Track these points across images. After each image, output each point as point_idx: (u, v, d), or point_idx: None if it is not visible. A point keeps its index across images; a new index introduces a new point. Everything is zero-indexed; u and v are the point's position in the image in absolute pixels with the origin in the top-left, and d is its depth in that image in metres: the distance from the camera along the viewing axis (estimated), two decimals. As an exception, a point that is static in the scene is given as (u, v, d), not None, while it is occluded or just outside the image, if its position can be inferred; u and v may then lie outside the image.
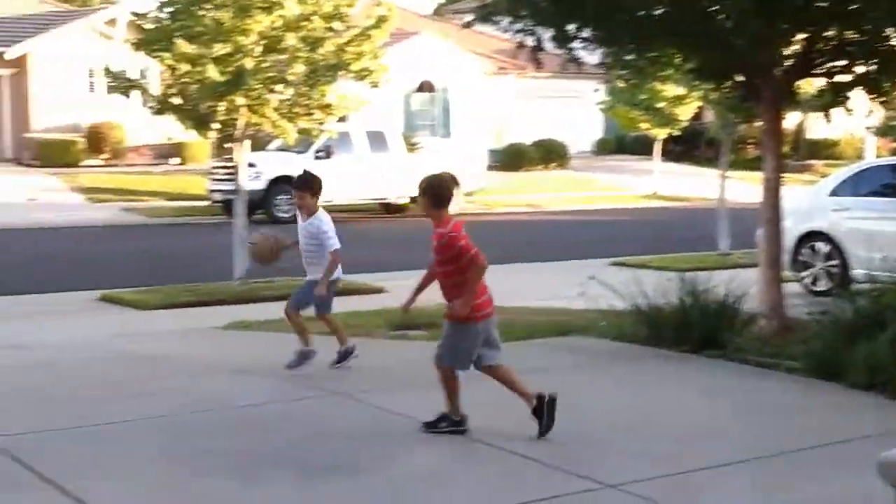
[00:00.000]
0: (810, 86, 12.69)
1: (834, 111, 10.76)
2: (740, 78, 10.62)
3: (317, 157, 26.25)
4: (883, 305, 8.68)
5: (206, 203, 27.22)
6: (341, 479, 5.96)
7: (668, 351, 9.45)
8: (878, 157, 35.84)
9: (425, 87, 39.28)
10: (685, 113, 28.96)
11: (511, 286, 14.82)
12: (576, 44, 10.32)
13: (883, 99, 11.08)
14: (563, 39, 10.22)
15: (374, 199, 27.80)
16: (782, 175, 10.36)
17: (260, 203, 25.03)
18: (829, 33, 10.05)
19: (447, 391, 6.72)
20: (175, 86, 14.39)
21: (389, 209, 28.18)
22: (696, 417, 7.41)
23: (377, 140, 27.73)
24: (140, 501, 5.63)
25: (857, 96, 10.52)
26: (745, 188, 30.26)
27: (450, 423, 6.73)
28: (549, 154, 39.74)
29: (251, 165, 22.52)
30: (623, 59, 11.00)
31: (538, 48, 10.50)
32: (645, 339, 9.73)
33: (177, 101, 14.39)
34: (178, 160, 34.80)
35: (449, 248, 6.53)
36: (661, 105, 28.90)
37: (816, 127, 41.95)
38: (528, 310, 12.24)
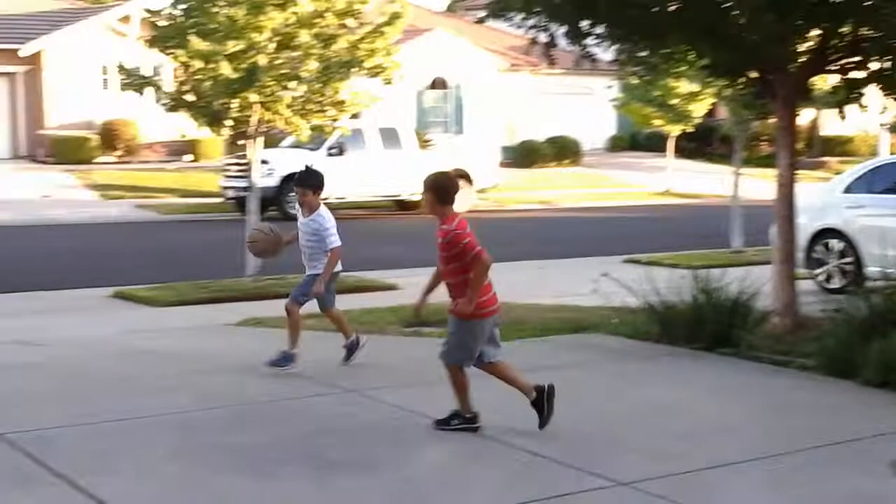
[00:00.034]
0: (824, 82, 12.66)
1: (848, 108, 10.72)
2: (754, 74, 10.59)
3: (329, 154, 26.27)
4: (897, 303, 8.66)
5: (218, 200, 27.26)
6: (355, 475, 5.96)
7: (681, 348, 9.43)
8: (892, 153, 35.72)
9: (438, 83, 39.27)
10: (699, 109, 28.89)
11: (523, 283, 14.82)
12: (589, 40, 10.31)
13: (897, 95, 11.03)
14: (576, 36, 10.21)
15: (387, 195, 27.80)
16: (796, 172, 10.33)
17: (273, 200, 25.04)
18: (844, 29, 10.01)
19: (456, 388, 6.72)
20: (188, 83, 14.42)
21: (402, 206, 28.18)
22: (708, 415, 7.39)
23: (390, 137, 27.73)
24: (154, 497, 5.63)
25: (872, 93, 10.49)
26: (759, 185, 30.19)
27: (462, 421, 6.74)
28: (562, 151, 39.69)
29: (264, 162, 22.59)
30: (636, 56, 10.98)
31: (551, 44, 10.49)
32: (657, 336, 9.72)
33: (190, 98, 14.42)
34: (190, 157, 34.87)
35: (454, 244, 6.53)
36: (674, 102, 28.84)
37: (830, 124, 41.83)
38: (540, 307, 12.23)
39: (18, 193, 28.71)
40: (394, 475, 6.02)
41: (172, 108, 14.70)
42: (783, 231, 10.28)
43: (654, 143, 40.09)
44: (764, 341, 9.32)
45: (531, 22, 10.30)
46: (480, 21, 11.28)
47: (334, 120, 14.85)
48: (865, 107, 10.66)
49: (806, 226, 13.08)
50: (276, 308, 11.81)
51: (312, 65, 14.16)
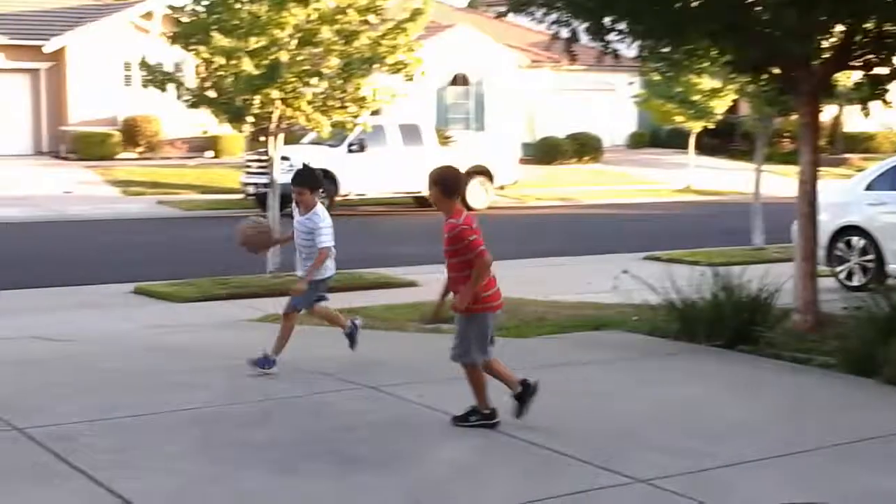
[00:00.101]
0: (848, 78, 12.59)
1: (872, 104, 10.66)
2: (777, 70, 10.54)
3: (350, 151, 26.30)
4: (919, 301, 8.61)
5: (239, 196, 27.31)
6: (375, 471, 5.97)
7: (701, 346, 9.41)
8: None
9: (459, 80, 39.25)
10: (720, 106, 28.76)
11: (543, 280, 14.82)
12: (611, 36, 10.28)
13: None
14: (598, 32, 10.18)
15: (407, 192, 27.80)
16: (818, 169, 10.28)
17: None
18: (868, 25, 9.95)
19: (474, 385, 6.73)
20: (210, 79, 14.46)
21: (422, 203, 28.15)
22: (728, 413, 7.37)
23: (411, 133, 27.70)
24: (175, 493, 5.65)
25: (896, 89, 10.44)
26: (781, 182, 30.06)
27: (480, 417, 6.74)
28: (583, 147, 39.61)
29: (285, 159, 22.59)
30: (659, 52, 10.95)
31: (573, 40, 10.47)
32: (677, 333, 9.69)
33: (212, 94, 14.46)
34: (211, 153, 34.96)
35: (459, 239, 6.53)
36: (696, 98, 28.71)
37: (853, 120, 41.60)
38: (560, 304, 12.22)
39: (41, 189, 28.86)
40: (413, 471, 6.03)
41: (194, 105, 14.74)
42: (804, 229, 10.23)
43: (676, 140, 39.93)
44: (784, 339, 9.29)
45: (553, 17, 10.28)
46: (502, 15, 11.25)
47: (355, 116, 14.86)
48: (889, 103, 10.61)
49: (827, 223, 13.03)
50: (296, 304, 11.86)
51: (334, 61, 14.18)
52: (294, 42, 14.01)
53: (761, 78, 11.16)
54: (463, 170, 24.46)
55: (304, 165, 8.87)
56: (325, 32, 14.00)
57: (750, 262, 14.20)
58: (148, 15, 33.55)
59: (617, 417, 7.17)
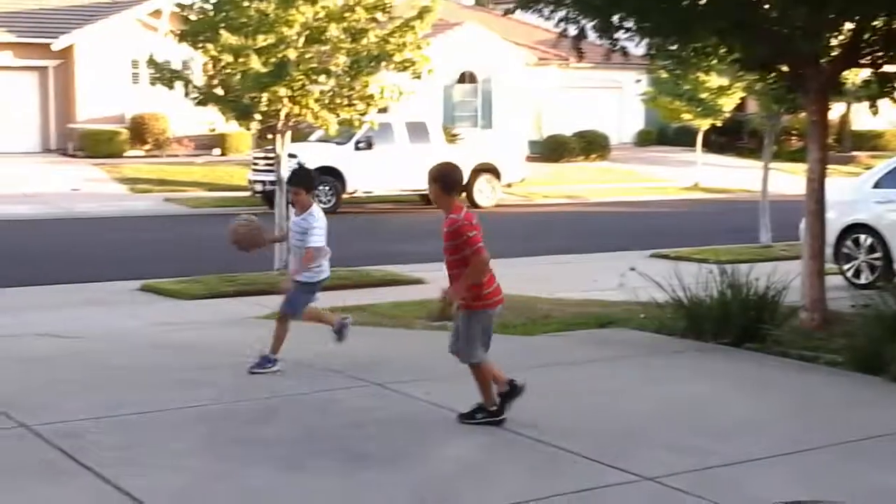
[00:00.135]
0: (856, 76, 12.57)
1: (880, 102, 10.64)
2: (785, 68, 10.52)
3: (357, 149, 26.32)
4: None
5: (247, 194, 27.35)
6: (383, 468, 5.97)
7: (708, 343, 9.40)
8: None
9: (466, 77, 39.24)
10: (728, 104, 28.74)
11: (550, 278, 14.82)
12: (619, 34, 10.27)
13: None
14: (605, 29, 10.17)
15: (414, 190, 27.81)
16: (826, 167, 10.26)
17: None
18: (877, 23, 9.93)
19: (479, 382, 6.74)
20: (217, 77, 14.47)
21: (429, 200, 28.16)
22: (735, 410, 7.36)
23: (418, 131, 27.71)
24: (182, 490, 5.65)
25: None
26: (788, 180, 30.05)
27: (486, 414, 6.74)
28: (590, 145, 39.59)
29: (292, 156, 22.62)
30: (666, 50, 10.93)
31: (580, 37, 10.45)
32: (685, 331, 9.68)
33: (219, 92, 14.47)
34: (219, 151, 34.99)
35: (458, 234, 6.53)
36: (704, 96, 28.70)
37: (861, 118, 41.52)
38: (567, 301, 12.23)
39: (48, 187, 28.91)
40: (420, 468, 6.03)
41: (202, 103, 14.75)
42: (812, 227, 10.22)
43: (683, 138, 39.91)
44: (792, 337, 9.28)
45: (560, 14, 10.27)
46: (509, 12, 11.23)
47: (363, 114, 14.86)
48: (898, 101, 10.58)
49: (835, 221, 13.01)
50: (304, 301, 11.87)
51: (342, 59, 14.19)
52: (302, 40, 14.02)
53: (769, 75, 11.16)
54: (470, 167, 24.57)
55: (300, 166, 8.85)
56: (333, 30, 14.00)
57: (757, 259, 14.17)
58: (156, 13, 33.57)
59: (623, 415, 7.16)
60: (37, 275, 14.98)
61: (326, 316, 8.78)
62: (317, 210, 8.42)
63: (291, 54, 13.85)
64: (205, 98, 14.61)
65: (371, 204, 27.52)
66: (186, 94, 14.76)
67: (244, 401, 7.48)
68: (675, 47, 10.83)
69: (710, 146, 36.81)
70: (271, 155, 18.66)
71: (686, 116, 31.04)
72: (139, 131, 34.59)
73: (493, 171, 28.32)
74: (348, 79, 14.37)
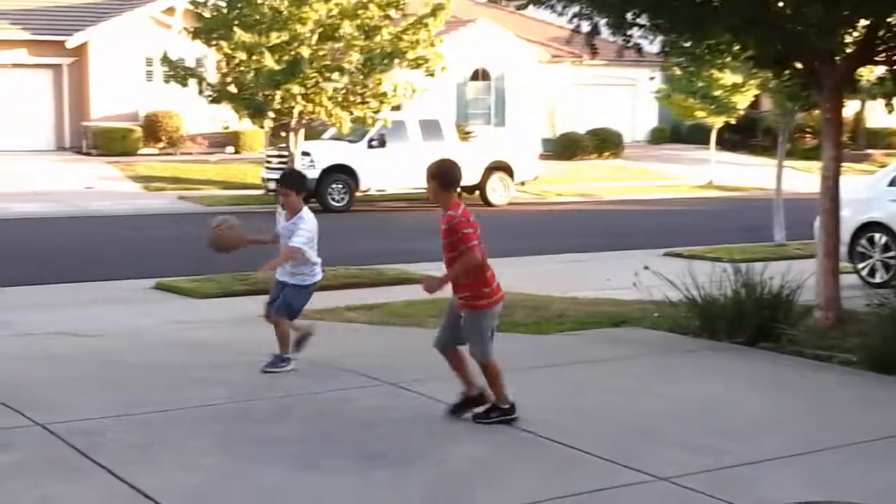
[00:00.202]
0: (871, 73, 12.52)
1: (895, 100, 10.60)
2: (799, 65, 10.48)
3: (370, 146, 26.33)
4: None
5: (260, 192, 27.39)
6: (396, 468, 5.97)
7: (722, 343, 9.37)
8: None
9: (479, 75, 39.21)
10: (742, 101, 28.68)
11: (563, 276, 14.80)
12: (633, 31, 10.25)
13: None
14: (619, 26, 10.15)
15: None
16: (841, 165, 10.23)
17: (313, 192, 25.15)
18: (892, 20, 9.89)
19: (490, 380, 6.74)
20: (231, 74, 14.51)
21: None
22: (749, 410, 7.34)
23: (431, 129, 27.69)
24: (196, 489, 5.66)
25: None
26: (802, 178, 29.94)
27: (499, 413, 6.73)
28: (604, 143, 39.52)
29: (305, 154, 22.66)
30: (681, 47, 10.91)
31: (594, 33, 10.43)
32: (698, 330, 9.66)
33: (233, 89, 14.51)
34: (232, 149, 35.04)
35: (454, 231, 6.54)
36: (717, 93, 28.64)
37: (876, 116, 41.36)
38: (580, 300, 12.21)
39: (62, 185, 28.99)
40: (434, 468, 6.03)
41: (215, 100, 14.81)
42: (826, 225, 10.18)
43: (697, 136, 39.83)
44: (806, 336, 9.25)
45: (574, 10, 10.25)
46: (522, 7, 11.20)
47: (376, 112, 14.88)
48: (912, 98, 10.55)
49: (850, 219, 12.97)
50: (316, 300, 11.85)
51: (355, 56, 14.21)
52: (315, 37, 14.05)
53: (784, 73, 11.12)
54: (483, 165, 24.59)
55: (291, 168, 8.74)
56: (347, 27, 14.04)
57: (771, 258, 14.13)
58: (170, 10, 33.65)
59: (637, 414, 7.15)
60: (51, 273, 15.03)
61: (296, 323, 8.53)
62: (307, 213, 8.25)
63: (305, 52, 13.90)
64: (218, 96, 14.66)
65: (384, 202, 27.52)
66: (200, 92, 14.81)
67: (258, 399, 7.49)
68: (689, 44, 10.81)
69: (723, 144, 36.73)
70: (285, 153, 18.70)
71: (700, 114, 30.99)
72: (153, 129, 34.66)
73: (506, 168, 28.31)
74: (361, 76, 14.41)
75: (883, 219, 13.60)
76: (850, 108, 37.04)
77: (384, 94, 14.69)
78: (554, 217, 25.93)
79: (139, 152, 34.08)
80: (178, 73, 14.66)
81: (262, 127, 15.59)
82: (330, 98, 14.23)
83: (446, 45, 16.21)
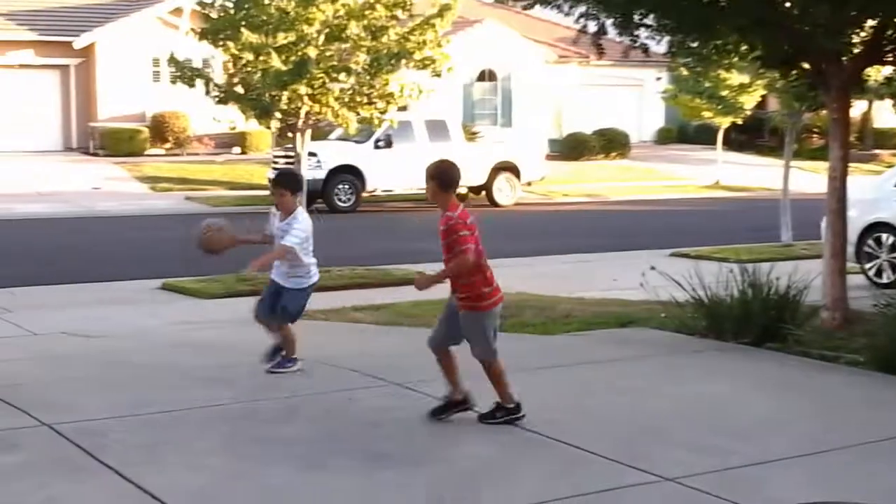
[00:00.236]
0: (878, 73, 12.50)
1: (903, 100, 10.59)
2: (807, 65, 10.46)
3: (377, 147, 26.33)
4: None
5: (266, 192, 27.38)
6: (402, 468, 5.97)
7: (728, 343, 9.36)
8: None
9: (486, 75, 39.21)
10: (749, 101, 28.64)
11: (570, 276, 14.80)
12: (639, 31, 10.24)
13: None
14: (626, 26, 10.14)
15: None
16: (848, 165, 10.21)
17: (320, 192, 25.19)
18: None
19: (493, 380, 6.74)
20: (238, 75, 14.51)
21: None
22: (755, 410, 7.33)
23: (438, 129, 27.70)
24: (202, 489, 5.66)
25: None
26: (809, 178, 29.91)
27: (505, 413, 6.73)
28: (610, 143, 39.50)
29: (312, 155, 22.67)
30: (687, 47, 10.89)
31: (600, 33, 10.43)
32: (705, 330, 9.65)
33: (240, 90, 14.51)
34: (238, 149, 35.07)
35: (450, 233, 6.53)
36: (724, 93, 28.60)
37: (883, 116, 41.29)
38: (587, 300, 12.20)
39: (69, 185, 29.04)
40: (440, 468, 6.03)
41: (222, 101, 14.80)
42: (833, 225, 10.16)
43: (703, 136, 39.80)
44: (813, 336, 9.22)
45: (580, 10, 10.24)
46: (528, 7, 11.18)
47: (382, 112, 14.87)
48: (919, 99, 10.53)
49: (857, 219, 12.94)
50: (323, 300, 11.87)
51: (362, 57, 14.20)
52: (322, 38, 14.04)
53: (791, 73, 11.09)
54: (490, 166, 24.54)
55: (285, 168, 8.67)
56: (353, 28, 14.03)
57: (778, 258, 14.13)
58: (177, 11, 33.67)
59: (643, 415, 7.14)
60: (58, 273, 15.05)
61: (282, 332, 8.30)
62: (301, 213, 8.16)
63: (312, 52, 13.88)
64: (225, 96, 14.65)
65: (391, 202, 27.52)
66: (207, 93, 14.80)
67: (263, 400, 7.49)
68: (696, 45, 10.79)
69: (730, 144, 36.70)
70: (291, 153, 18.69)
71: (706, 114, 30.95)
72: (160, 130, 34.70)
73: (512, 169, 28.30)
74: (368, 77, 14.39)
75: (890, 219, 13.57)
76: (857, 108, 37.01)
77: (391, 95, 14.67)
78: (560, 217, 25.91)
79: (146, 153, 34.11)
80: (185, 73, 14.67)
81: (268, 127, 15.56)
82: (336, 98, 14.22)
83: (453, 46, 16.20)
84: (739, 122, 30.87)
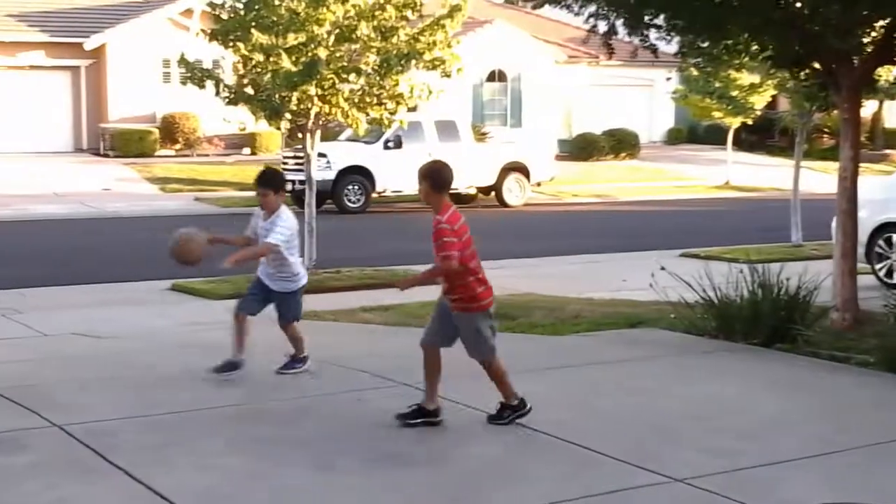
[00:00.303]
0: (889, 73, 12.47)
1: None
2: (817, 65, 10.44)
3: (386, 148, 26.33)
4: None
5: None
6: (412, 469, 5.98)
7: (738, 344, 9.34)
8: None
9: (496, 76, 39.21)
10: (759, 101, 28.57)
11: (579, 277, 14.79)
12: (650, 31, 10.23)
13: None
14: (635, 26, 10.12)
15: (444, 189, 27.84)
16: (858, 165, 10.18)
17: (329, 193, 25.22)
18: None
19: (495, 380, 6.74)
20: (248, 76, 14.52)
21: (458, 199, 28.14)
22: (766, 411, 7.31)
23: (447, 130, 27.69)
24: (212, 489, 5.66)
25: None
26: (819, 178, 29.84)
27: (511, 411, 6.72)
28: (620, 144, 39.47)
29: (322, 156, 22.68)
30: (698, 47, 10.88)
31: (610, 33, 10.42)
32: (715, 331, 9.63)
33: (250, 91, 14.52)
34: (248, 150, 35.12)
35: (436, 237, 6.51)
36: (735, 93, 28.52)
37: (894, 116, 41.19)
38: (596, 301, 12.19)
39: (80, 186, 29.11)
40: (449, 468, 6.03)
41: (232, 102, 14.80)
42: (844, 226, 10.14)
43: (713, 136, 39.75)
44: (823, 337, 9.20)
45: (590, 10, 10.23)
46: (538, 6, 11.16)
47: (392, 113, 14.86)
48: (930, 99, 10.50)
49: (867, 220, 12.91)
50: (332, 301, 11.91)
51: (371, 58, 14.20)
52: (332, 38, 14.04)
53: (801, 73, 11.07)
54: (500, 166, 24.54)
55: (268, 167, 8.59)
56: (363, 28, 14.02)
57: (788, 259, 14.11)
58: (187, 12, 33.73)
59: (653, 415, 7.13)
60: (68, 274, 15.08)
61: (243, 341, 8.16)
62: (285, 212, 8.05)
63: (322, 53, 13.88)
64: (235, 97, 14.66)
65: (400, 203, 27.53)
66: (217, 94, 14.81)
67: (272, 401, 7.50)
68: (706, 45, 10.78)
69: (740, 144, 36.65)
70: (301, 154, 18.71)
71: (717, 114, 30.89)
72: (170, 131, 34.77)
73: (522, 169, 28.29)
74: (378, 77, 14.38)
75: (901, 219, 13.54)
76: (867, 108, 36.92)
77: (401, 96, 14.65)
78: (570, 218, 25.90)
79: (156, 154, 34.19)
80: (196, 74, 14.67)
81: (278, 128, 15.56)
82: (346, 99, 14.22)
83: (463, 46, 16.21)
84: (750, 122, 30.79)
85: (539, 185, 29.32)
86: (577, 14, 10.51)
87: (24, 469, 5.92)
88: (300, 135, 15.10)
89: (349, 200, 26.08)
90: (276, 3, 13.90)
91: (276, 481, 5.74)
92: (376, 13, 14.13)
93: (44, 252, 18.22)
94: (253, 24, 13.89)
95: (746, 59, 11.74)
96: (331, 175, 25.43)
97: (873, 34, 10.10)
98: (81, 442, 6.36)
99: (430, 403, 6.76)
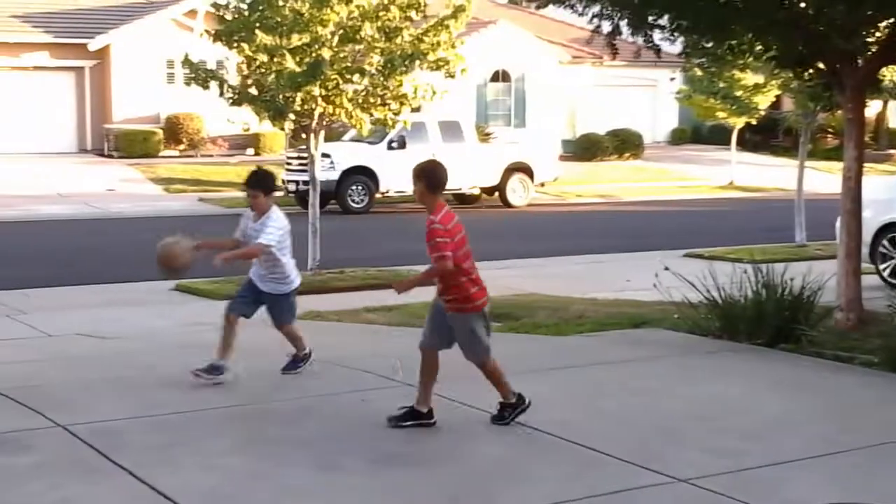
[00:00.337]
0: (893, 73, 12.45)
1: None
2: (822, 65, 10.43)
3: (390, 148, 26.33)
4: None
5: (280, 193, 27.39)
6: (415, 469, 5.98)
7: (742, 344, 9.33)
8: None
9: (500, 76, 39.19)
10: (764, 101, 28.56)
11: (583, 277, 14.78)
12: (654, 32, 10.22)
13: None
14: (640, 26, 10.12)
15: (448, 189, 27.81)
16: (863, 165, 10.17)
17: (333, 193, 25.22)
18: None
19: (492, 381, 6.75)
20: (252, 77, 14.53)
21: (462, 200, 28.17)
22: (770, 411, 7.31)
23: (451, 130, 27.69)
24: (216, 489, 5.67)
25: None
26: (824, 179, 29.81)
27: (511, 409, 6.72)
28: (624, 144, 39.45)
29: (325, 156, 22.70)
30: (702, 47, 10.87)
31: (614, 33, 10.41)
32: (719, 331, 9.62)
33: (254, 92, 14.53)
34: (252, 151, 35.13)
35: (428, 238, 6.51)
36: (739, 93, 28.52)
37: (899, 116, 41.15)
38: (600, 301, 12.18)
39: (84, 187, 29.14)
40: (453, 468, 6.03)
41: (236, 103, 14.81)
42: (848, 226, 10.13)
43: (717, 136, 39.70)
44: (827, 337, 9.19)
45: (594, 10, 10.23)
46: (542, 6, 11.15)
47: (396, 113, 14.87)
48: (934, 99, 10.49)
49: (871, 220, 12.90)
50: (337, 302, 11.91)
51: (375, 58, 14.21)
52: (336, 39, 14.05)
53: (805, 73, 11.06)
54: (503, 166, 24.58)
55: (258, 168, 8.54)
56: (367, 29, 14.02)
57: (792, 259, 14.07)
58: (191, 13, 33.75)
59: (657, 416, 7.12)
60: (73, 275, 15.09)
61: (230, 345, 8.04)
62: (276, 213, 7.99)
63: (326, 54, 13.89)
64: (239, 98, 14.67)
65: (404, 203, 27.52)
66: (221, 94, 14.82)
67: (276, 401, 7.50)
68: (710, 45, 10.77)
69: (744, 144, 36.60)
70: (304, 155, 18.72)
71: (721, 114, 30.88)
72: (174, 131, 34.79)
73: (526, 170, 28.29)
74: (382, 78, 14.38)
75: (905, 220, 13.52)
76: (872, 108, 36.88)
77: (404, 96, 14.66)
78: (574, 218, 25.89)
79: (160, 154, 34.22)
80: (200, 75, 14.68)
81: (282, 129, 15.58)
82: (350, 100, 14.23)
83: (467, 47, 16.19)
84: (754, 122, 30.79)
85: (543, 185, 29.31)
86: (580, 14, 10.50)
87: (28, 469, 5.92)
88: (304, 135, 15.11)
89: (353, 201, 26.09)
90: (280, 3, 13.91)
91: (280, 481, 5.75)
92: (380, 14, 14.14)
93: (48, 252, 18.23)
94: (257, 24, 13.91)
95: (750, 59, 11.72)
96: (334, 175, 25.44)
97: (878, 34, 10.10)
98: (85, 442, 6.36)
99: (423, 406, 6.75)
